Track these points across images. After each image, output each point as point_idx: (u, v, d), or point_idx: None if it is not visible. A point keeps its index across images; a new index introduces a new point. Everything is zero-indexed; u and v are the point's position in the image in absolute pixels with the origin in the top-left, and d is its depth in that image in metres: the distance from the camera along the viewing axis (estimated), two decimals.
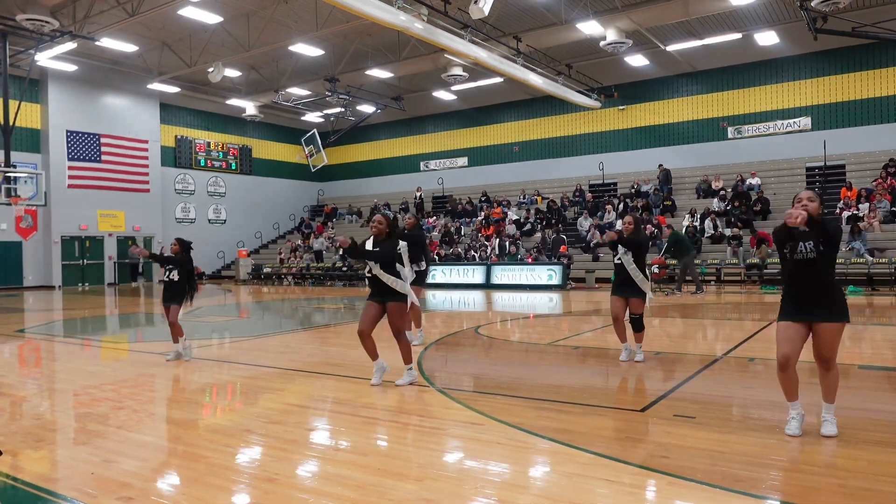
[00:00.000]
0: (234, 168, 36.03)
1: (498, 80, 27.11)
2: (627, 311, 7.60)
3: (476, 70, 25.22)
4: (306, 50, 24.39)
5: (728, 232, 22.99)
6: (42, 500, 3.80)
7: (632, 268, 7.42)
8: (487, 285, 23.03)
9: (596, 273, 22.05)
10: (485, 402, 5.87)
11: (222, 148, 35.43)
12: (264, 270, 30.75)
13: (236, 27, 23.46)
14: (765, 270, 20.41)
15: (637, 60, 26.13)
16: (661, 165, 27.68)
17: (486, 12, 17.64)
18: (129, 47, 24.58)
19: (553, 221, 27.14)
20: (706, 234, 23.58)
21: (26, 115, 26.39)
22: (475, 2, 17.29)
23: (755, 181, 25.24)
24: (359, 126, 33.83)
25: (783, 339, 4.70)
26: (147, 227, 30.74)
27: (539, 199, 29.81)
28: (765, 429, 4.85)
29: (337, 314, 15.55)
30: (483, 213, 29.76)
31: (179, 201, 33.30)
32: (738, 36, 23.34)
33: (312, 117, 34.24)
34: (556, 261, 23.05)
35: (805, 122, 25.65)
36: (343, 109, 31.46)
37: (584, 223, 26.33)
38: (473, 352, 9.21)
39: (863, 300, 15.70)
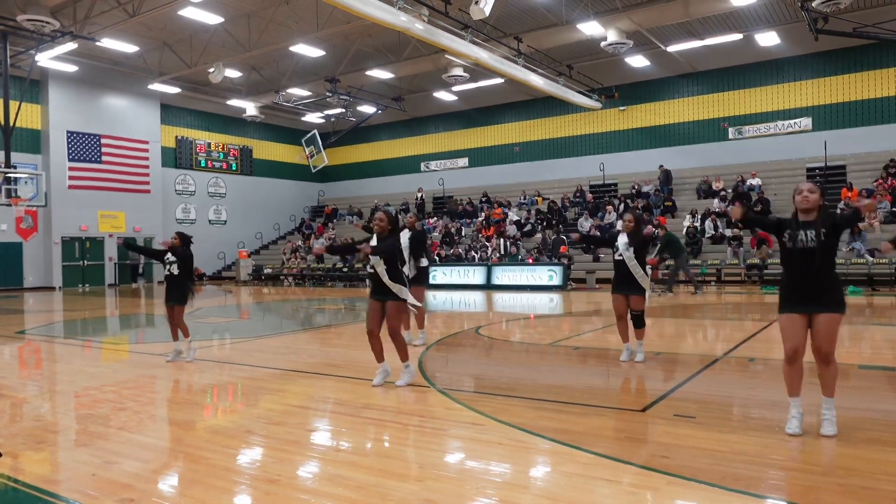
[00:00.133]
0: (234, 169, 36.04)
1: (499, 80, 27.10)
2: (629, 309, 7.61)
3: (477, 71, 25.22)
4: (307, 50, 24.39)
5: (728, 232, 22.99)
6: (43, 501, 3.80)
7: (632, 263, 7.43)
8: (488, 286, 23.03)
9: (596, 274, 22.05)
10: (485, 403, 5.87)
11: (223, 148, 35.44)
12: (265, 271, 30.75)
13: (237, 28, 23.47)
14: (765, 271, 20.41)
15: (638, 61, 26.13)
16: (661, 166, 27.68)
17: (487, 13, 17.64)
18: (129, 48, 24.59)
19: (554, 222, 27.14)
20: (707, 235, 23.58)
21: (27, 116, 26.40)
22: (476, 2, 17.29)
23: (756, 182, 25.22)
24: (359, 127, 33.84)
25: (789, 333, 4.72)
26: (147, 227, 30.74)
27: (540, 199, 29.80)
28: (765, 428, 4.85)
29: (337, 315, 15.55)
30: (483, 214, 29.76)
31: (180, 202, 33.32)
32: (739, 36, 23.34)
33: (313, 118, 34.25)
34: (556, 261, 23.05)
35: (806, 122, 25.64)
36: (344, 110, 31.48)
37: (585, 224, 26.32)
38: (474, 352, 9.21)
39: (863, 300, 15.70)
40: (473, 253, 26.06)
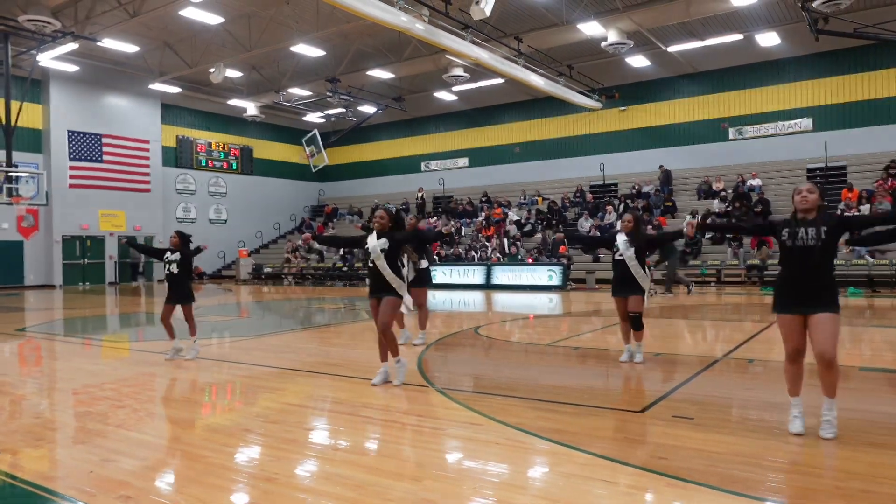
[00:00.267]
0: (234, 168, 36.05)
1: (499, 80, 27.09)
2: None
3: (477, 71, 25.21)
4: (307, 50, 24.39)
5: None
6: (41, 498, 3.81)
7: (633, 263, 7.41)
8: (487, 286, 23.03)
9: (596, 274, 22.04)
10: (484, 403, 5.88)
11: (223, 148, 35.44)
12: (265, 270, 30.76)
13: (237, 28, 23.48)
14: (765, 272, 20.40)
15: (638, 61, 26.12)
16: (661, 166, 27.68)
17: (488, 13, 17.64)
18: (130, 48, 24.58)
19: (554, 222, 27.15)
20: (707, 236, 23.56)
21: (28, 116, 26.39)
22: (476, 2, 17.29)
23: (756, 182, 25.22)
24: (360, 126, 33.82)
25: (789, 333, 4.72)
26: (148, 226, 30.76)
27: (540, 199, 29.80)
28: (764, 430, 4.85)
29: (337, 314, 15.56)
30: (483, 214, 29.76)
31: (180, 201, 33.33)
32: (740, 37, 23.33)
33: (313, 118, 34.24)
34: (556, 261, 23.04)
35: (806, 123, 25.64)
36: (344, 110, 31.47)
37: (585, 224, 26.31)
38: (473, 352, 9.21)
39: (863, 302, 15.70)
40: (473, 253, 26.06)
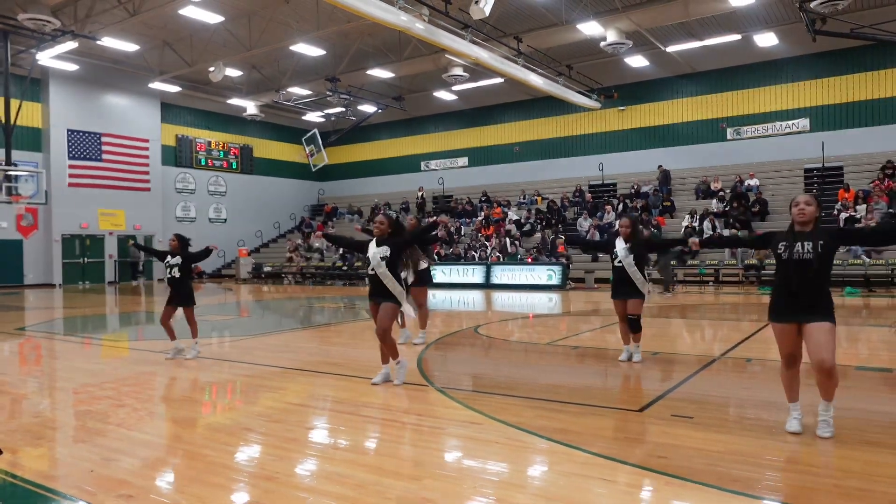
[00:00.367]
0: (234, 167, 36.04)
1: (498, 80, 27.11)
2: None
3: (477, 70, 25.22)
4: (307, 50, 24.40)
5: (727, 233, 23.00)
6: (42, 497, 3.82)
7: (632, 270, 7.44)
8: (487, 285, 23.05)
9: (595, 273, 22.07)
10: (484, 402, 5.90)
11: (223, 147, 35.44)
12: (265, 269, 30.76)
13: (237, 27, 23.47)
14: (762, 271, 20.44)
15: (637, 61, 26.15)
16: (660, 166, 27.70)
17: (487, 13, 17.66)
18: (130, 47, 24.57)
19: (553, 222, 27.17)
20: (705, 235, 23.58)
21: (27, 114, 26.38)
22: (476, 2, 17.30)
23: (754, 182, 25.25)
24: (359, 126, 33.82)
25: (783, 340, 4.74)
26: (147, 225, 30.76)
27: (539, 199, 29.82)
28: (762, 429, 4.87)
29: (337, 313, 15.57)
30: (483, 214, 29.77)
31: (180, 200, 33.32)
32: (738, 37, 23.35)
33: (313, 117, 34.25)
34: (555, 261, 23.06)
35: (803, 123, 25.67)
36: (344, 109, 31.47)
37: (584, 224, 26.34)
38: (473, 351, 9.23)
39: (859, 301, 15.73)
40: (473, 252, 26.08)
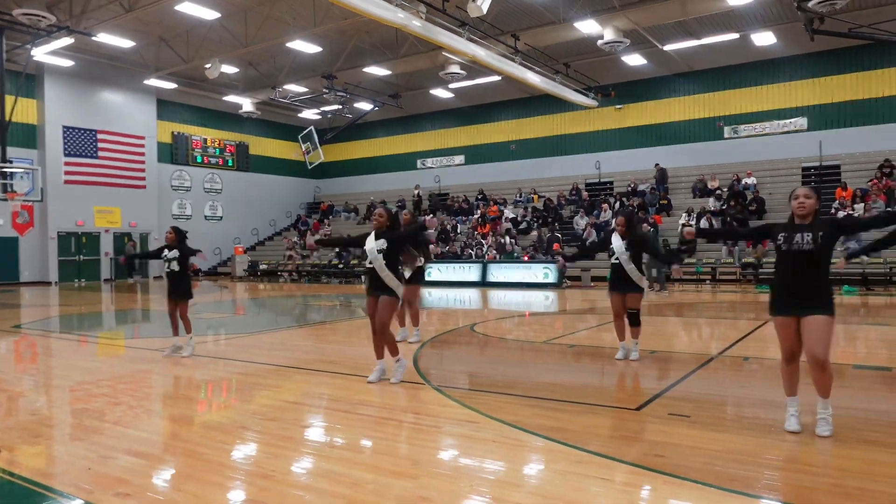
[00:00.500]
0: (230, 164, 35.97)
1: (495, 78, 27.10)
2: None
3: (474, 68, 25.20)
4: (304, 47, 24.35)
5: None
6: (39, 495, 3.81)
7: (630, 267, 7.44)
8: (483, 283, 23.05)
9: (591, 272, 22.08)
10: (480, 400, 5.89)
11: (219, 144, 35.36)
12: (261, 267, 30.73)
13: (234, 23, 23.41)
14: (760, 270, 20.46)
15: (634, 60, 26.16)
16: (657, 165, 27.71)
17: (485, 10, 17.63)
18: (125, 43, 24.50)
19: (549, 220, 27.17)
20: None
21: (22, 111, 26.27)
22: (473, 0, 17.29)
23: (751, 181, 25.29)
24: (356, 123, 33.80)
25: (784, 334, 4.74)
26: (143, 223, 30.71)
27: (536, 197, 29.82)
28: (759, 428, 4.87)
29: (332, 311, 15.55)
30: (479, 212, 29.76)
31: (176, 197, 33.25)
32: (736, 36, 23.37)
33: (310, 114, 34.21)
34: (551, 259, 23.07)
35: (801, 122, 25.70)
36: (340, 107, 31.42)
37: (581, 222, 26.34)
38: (469, 349, 9.22)
39: (857, 300, 15.76)
40: (469, 250, 26.07)
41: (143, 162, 30.72)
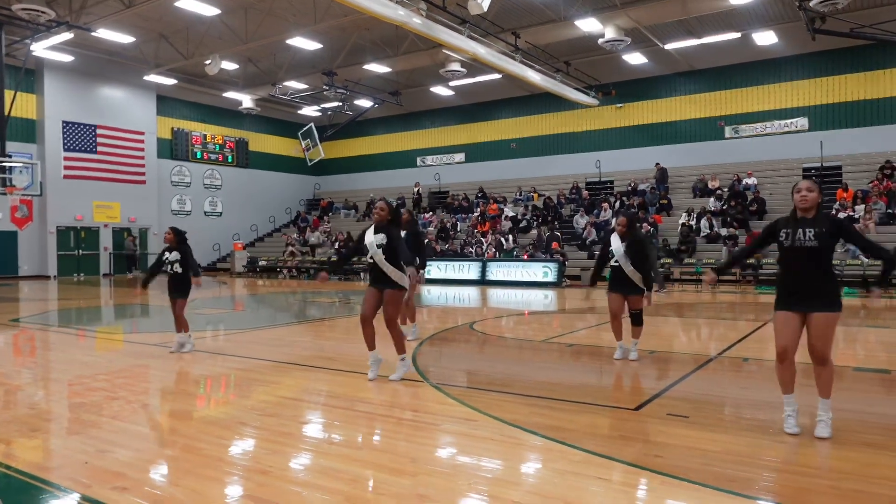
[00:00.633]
0: (230, 161, 35.95)
1: (496, 76, 27.08)
2: (626, 308, 7.60)
3: (474, 66, 25.19)
4: (304, 43, 24.32)
5: (724, 231, 23.04)
6: (36, 489, 3.80)
7: (629, 269, 7.40)
8: (482, 282, 23.04)
9: (591, 271, 22.05)
10: (479, 399, 5.88)
11: (219, 140, 35.34)
12: (260, 263, 30.72)
13: (234, 19, 23.38)
14: (760, 270, 20.46)
15: (635, 58, 26.14)
16: (657, 164, 27.70)
17: (485, 8, 17.62)
18: (125, 38, 24.46)
19: (549, 219, 27.16)
20: (702, 234, 23.62)
21: (22, 105, 26.25)
22: None
23: (752, 181, 25.28)
24: (356, 120, 33.78)
25: (781, 330, 4.72)
26: (143, 218, 30.69)
27: (535, 196, 29.81)
28: (758, 429, 4.87)
29: (331, 308, 15.54)
30: (479, 210, 29.75)
31: (175, 193, 33.23)
32: (737, 35, 23.36)
33: (309, 111, 34.18)
34: (551, 257, 23.05)
35: (802, 122, 25.69)
36: (340, 104, 31.39)
37: (581, 221, 26.34)
38: (468, 348, 9.22)
39: (857, 302, 15.75)
40: (469, 248, 26.05)
41: (142, 157, 30.70)
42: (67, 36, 22.25)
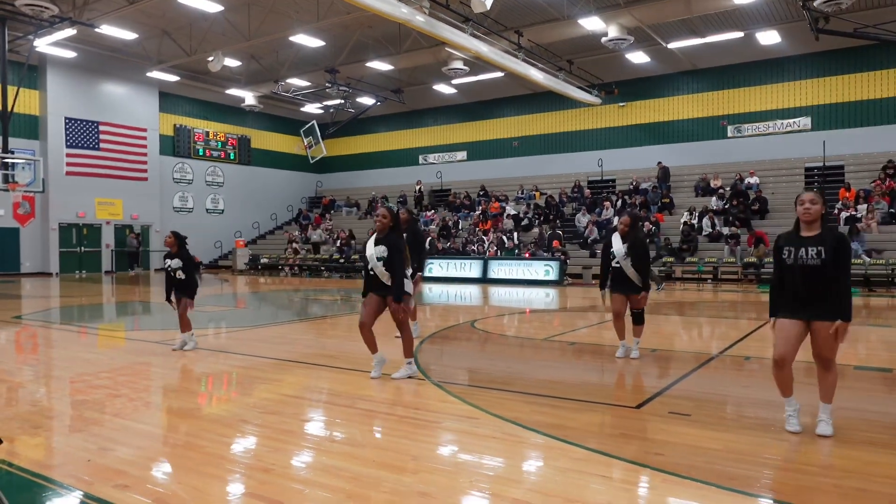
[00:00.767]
0: (232, 158, 35.97)
1: (498, 74, 27.07)
2: (628, 307, 7.60)
3: (477, 64, 25.18)
4: (307, 40, 24.31)
5: (726, 230, 23.03)
6: (38, 486, 3.81)
7: (631, 272, 7.40)
8: (484, 280, 23.04)
9: (593, 269, 22.06)
10: (480, 397, 5.88)
11: (221, 137, 35.35)
12: (262, 261, 30.74)
13: (237, 16, 23.38)
14: (762, 269, 20.45)
15: (638, 57, 26.11)
16: (660, 163, 27.69)
17: (488, 6, 17.59)
18: (128, 35, 24.47)
19: (551, 217, 27.15)
20: (704, 233, 23.61)
21: (25, 102, 26.29)
22: None
23: (754, 180, 25.26)
24: (358, 118, 33.77)
25: (781, 338, 4.68)
26: (145, 215, 30.71)
27: (537, 194, 29.80)
28: (760, 427, 4.86)
29: (333, 306, 15.55)
30: (481, 208, 29.75)
31: (177, 190, 33.25)
32: (740, 34, 23.33)
33: (312, 108, 34.17)
34: (552, 256, 23.04)
35: (805, 122, 25.66)
36: (343, 101, 31.39)
37: (582, 219, 26.34)
38: (469, 346, 9.22)
39: (859, 301, 15.73)
40: (471, 246, 26.05)
41: (144, 154, 30.71)
42: (70, 32, 22.26)
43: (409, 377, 6.62)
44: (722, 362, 7.67)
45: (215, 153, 35.09)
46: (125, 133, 29.90)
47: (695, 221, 23.95)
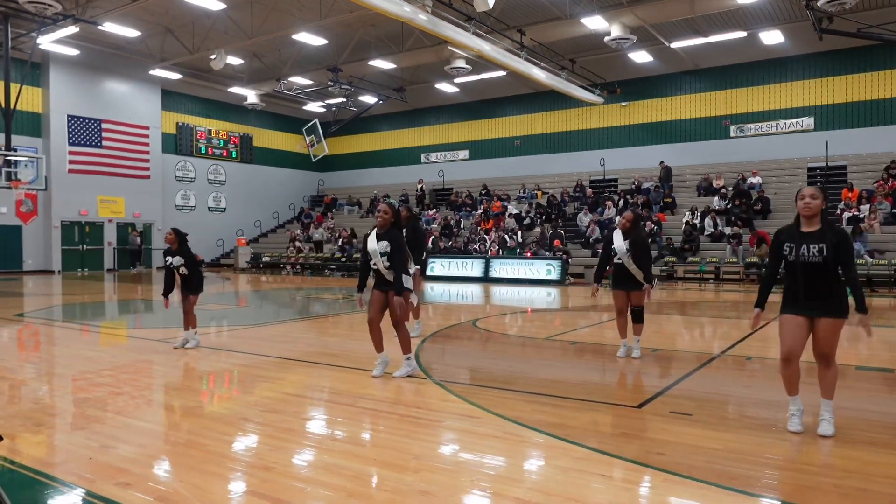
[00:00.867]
0: (234, 156, 35.98)
1: (501, 73, 27.05)
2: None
3: (479, 63, 25.17)
4: (309, 39, 24.31)
5: (728, 230, 23.02)
6: (40, 484, 3.81)
7: (632, 268, 7.41)
8: (486, 279, 23.04)
9: (594, 269, 22.05)
10: (481, 396, 5.89)
11: (223, 136, 35.36)
12: (263, 259, 30.76)
13: (239, 14, 23.38)
14: (763, 269, 20.41)
15: (641, 57, 26.08)
16: (662, 162, 27.66)
17: (491, 5, 17.60)
18: (131, 32, 24.48)
19: (553, 216, 27.14)
20: (706, 233, 23.59)
21: (27, 99, 26.32)
22: None
23: (756, 180, 25.23)
24: (360, 117, 33.76)
25: (787, 333, 4.70)
26: (147, 213, 30.73)
27: (539, 193, 29.79)
28: (761, 427, 4.86)
29: (335, 304, 15.56)
30: (482, 207, 29.74)
31: (179, 188, 33.27)
32: (743, 34, 23.29)
33: (314, 107, 34.17)
34: (554, 255, 23.03)
35: (808, 122, 25.62)
36: (345, 100, 31.37)
37: (584, 219, 26.33)
38: (471, 345, 9.22)
39: None
40: (472, 245, 26.05)
41: (147, 152, 30.73)
42: (73, 29, 22.27)
43: (410, 374, 6.62)
44: (723, 362, 7.67)
45: (217, 151, 35.10)
46: (128, 131, 29.92)
47: (697, 221, 23.94)
